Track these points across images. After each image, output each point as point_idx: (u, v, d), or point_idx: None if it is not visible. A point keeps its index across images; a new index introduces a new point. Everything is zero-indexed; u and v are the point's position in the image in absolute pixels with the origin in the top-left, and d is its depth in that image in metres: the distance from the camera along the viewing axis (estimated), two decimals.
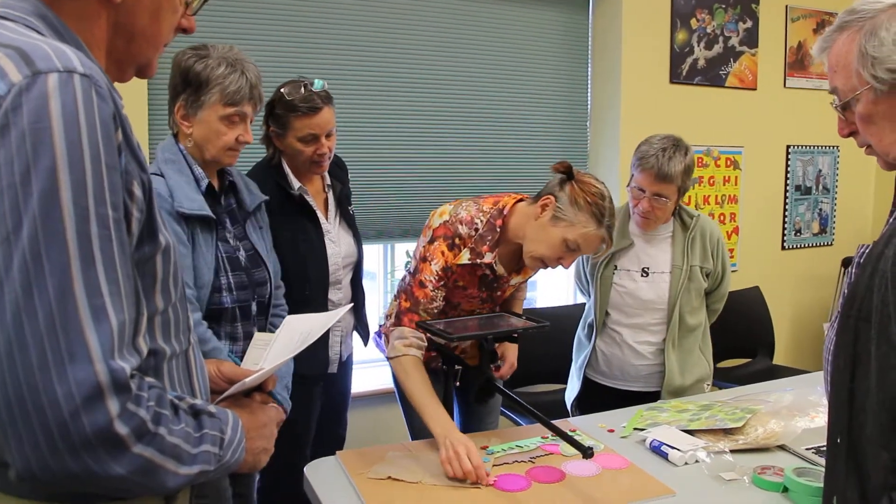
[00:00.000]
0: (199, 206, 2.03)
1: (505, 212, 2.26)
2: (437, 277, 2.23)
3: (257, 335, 1.58)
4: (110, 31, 1.03)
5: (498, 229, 2.24)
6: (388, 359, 2.26)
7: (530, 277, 2.51)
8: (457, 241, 2.24)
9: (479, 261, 2.22)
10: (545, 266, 2.24)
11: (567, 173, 2.17)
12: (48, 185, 0.84)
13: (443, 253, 2.23)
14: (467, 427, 2.57)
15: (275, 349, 1.43)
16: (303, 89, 2.37)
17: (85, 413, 0.84)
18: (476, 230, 2.24)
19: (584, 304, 2.97)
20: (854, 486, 1.21)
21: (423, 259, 2.24)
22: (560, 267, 2.25)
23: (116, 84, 1.04)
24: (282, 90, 2.39)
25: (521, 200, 2.30)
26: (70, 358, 0.84)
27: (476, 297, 2.37)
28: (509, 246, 2.28)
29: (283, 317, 2.25)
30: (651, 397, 2.65)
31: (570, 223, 2.13)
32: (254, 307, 2.16)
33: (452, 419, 2.14)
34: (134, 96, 2.88)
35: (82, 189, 0.86)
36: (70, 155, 0.85)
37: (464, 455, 1.87)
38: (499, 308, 2.50)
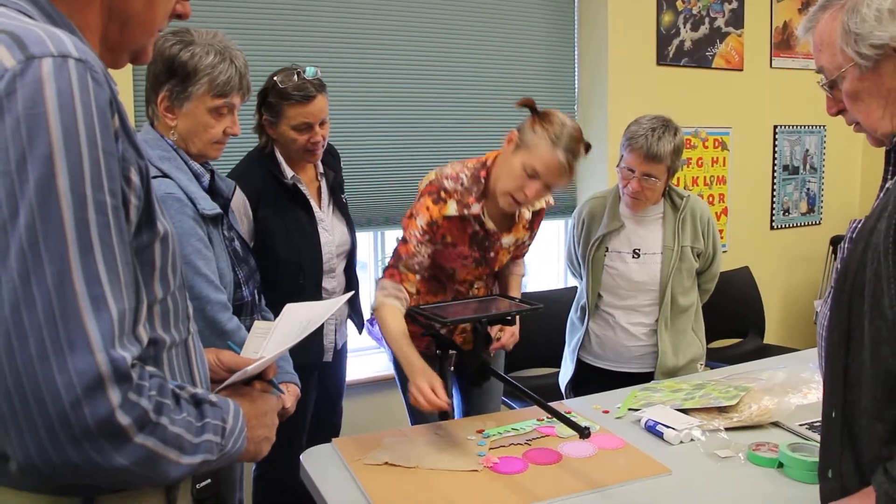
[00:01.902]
0: (211, 205, 1.94)
1: (488, 164, 2.31)
2: (421, 232, 2.27)
3: (257, 323, 1.57)
4: (104, 16, 1.01)
5: (482, 180, 2.29)
6: (372, 311, 2.33)
7: (523, 241, 2.52)
8: (442, 194, 2.29)
9: (466, 212, 2.27)
10: (516, 202, 2.25)
11: (530, 107, 2.23)
12: (44, 171, 0.83)
13: (427, 208, 2.28)
14: (469, 413, 2.59)
15: (275, 338, 1.42)
16: (296, 77, 2.36)
17: (86, 403, 0.83)
18: (462, 184, 2.29)
19: (575, 287, 2.98)
20: (849, 459, 1.22)
21: (410, 216, 2.30)
22: (533, 217, 2.36)
23: None
24: (275, 78, 2.37)
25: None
26: (70, 348, 0.83)
27: (469, 258, 2.38)
28: (497, 202, 2.30)
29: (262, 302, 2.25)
30: (645, 378, 2.66)
31: (527, 148, 2.19)
32: (256, 295, 2.14)
33: (451, 405, 2.15)
34: (119, 84, 2.85)
35: (79, 176, 0.85)
36: (66, 141, 0.84)
37: (427, 389, 2.01)
38: (496, 287, 2.54)
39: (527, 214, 2.46)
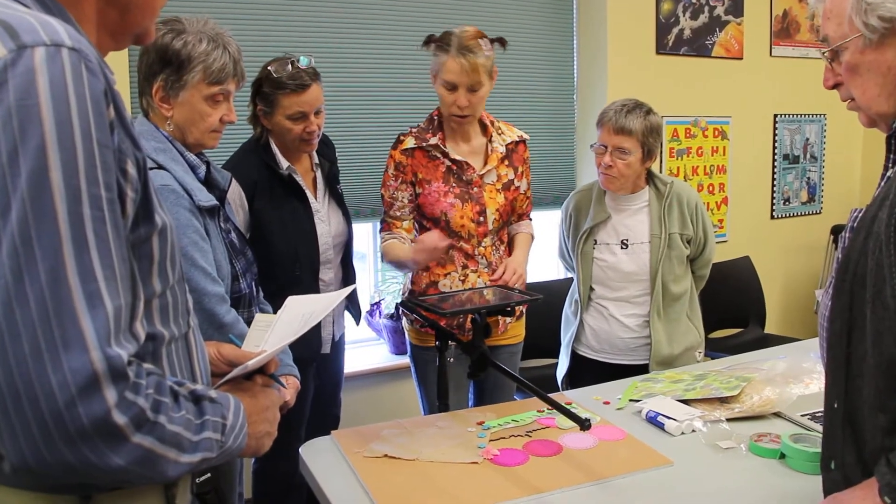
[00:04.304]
0: (207, 197, 1.93)
1: (439, 107, 2.58)
2: (392, 178, 2.57)
3: (258, 316, 1.55)
4: (101, 3, 0.99)
5: (435, 118, 2.59)
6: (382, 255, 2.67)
7: (510, 180, 2.66)
8: (400, 137, 2.59)
9: (424, 144, 2.54)
10: (457, 118, 2.51)
11: (427, 42, 2.50)
12: (37, 164, 0.81)
13: (390, 155, 2.59)
14: (480, 404, 2.60)
15: (276, 331, 1.40)
16: (290, 66, 2.34)
17: (81, 403, 0.82)
18: (419, 126, 2.61)
19: (572, 278, 2.97)
20: (851, 450, 1.22)
21: (384, 171, 2.60)
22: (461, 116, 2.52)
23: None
24: (269, 68, 2.36)
25: None
26: (64, 346, 0.81)
27: (450, 194, 2.53)
28: (460, 140, 2.60)
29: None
30: (641, 370, 2.65)
31: (437, 72, 2.49)
32: (254, 287, 2.14)
33: (447, 396, 2.15)
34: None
35: (73, 169, 0.83)
36: (59, 133, 0.82)
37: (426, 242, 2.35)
38: (502, 250, 2.66)
39: (500, 148, 2.62)
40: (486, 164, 2.60)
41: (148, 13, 1.04)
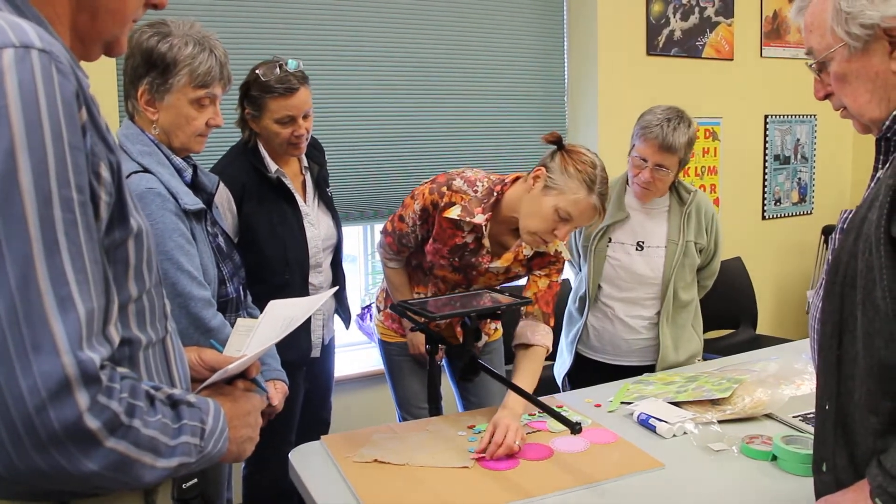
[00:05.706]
0: (194, 200, 1.90)
1: (506, 182, 2.25)
2: (417, 216, 2.31)
3: (240, 321, 1.54)
4: (73, 6, 0.97)
5: (495, 194, 2.22)
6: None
7: (513, 271, 2.39)
8: (445, 189, 2.25)
9: (468, 218, 2.20)
10: (542, 241, 2.17)
11: (557, 143, 2.14)
12: (6, 167, 0.80)
13: (423, 195, 2.28)
14: (469, 408, 2.58)
15: (258, 335, 1.39)
16: (278, 70, 2.32)
17: (52, 407, 0.80)
18: (475, 192, 2.23)
19: (566, 279, 2.95)
20: (843, 452, 1.21)
21: (411, 197, 2.34)
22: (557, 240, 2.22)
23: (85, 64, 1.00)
24: (256, 71, 2.34)
25: (519, 178, 2.28)
26: (35, 350, 0.80)
27: (446, 259, 2.34)
28: (500, 224, 2.27)
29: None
30: (644, 372, 2.64)
31: (560, 191, 2.08)
32: (241, 291, 2.12)
33: (439, 399, 2.14)
34: (101, 78, 2.80)
35: (43, 171, 0.81)
36: (29, 135, 0.81)
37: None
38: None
39: (525, 250, 2.31)
40: (502, 257, 2.32)
41: (118, 20, 1.02)
